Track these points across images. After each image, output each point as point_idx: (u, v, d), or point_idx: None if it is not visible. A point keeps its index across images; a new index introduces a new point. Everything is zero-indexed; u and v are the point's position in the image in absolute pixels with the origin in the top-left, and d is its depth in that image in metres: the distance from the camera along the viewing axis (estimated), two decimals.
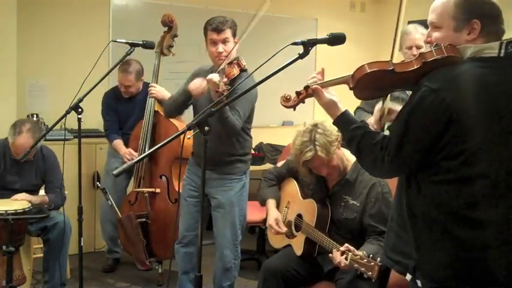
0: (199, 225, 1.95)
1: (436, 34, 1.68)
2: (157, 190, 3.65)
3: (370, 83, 1.73)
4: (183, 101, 3.02)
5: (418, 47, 3.26)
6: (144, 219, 3.64)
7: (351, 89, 1.78)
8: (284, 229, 2.88)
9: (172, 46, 3.82)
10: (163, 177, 3.67)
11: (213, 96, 2.72)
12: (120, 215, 3.64)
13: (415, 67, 1.64)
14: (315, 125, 2.61)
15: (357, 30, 5.27)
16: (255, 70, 2.04)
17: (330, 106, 1.84)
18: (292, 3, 5.59)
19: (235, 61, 2.87)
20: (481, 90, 1.58)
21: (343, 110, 1.83)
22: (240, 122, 2.85)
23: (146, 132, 3.69)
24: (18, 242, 3.04)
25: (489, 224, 1.59)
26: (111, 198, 3.66)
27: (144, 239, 3.61)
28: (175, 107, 3.08)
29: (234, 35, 2.93)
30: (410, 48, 3.32)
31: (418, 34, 3.16)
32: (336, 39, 1.82)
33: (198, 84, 2.87)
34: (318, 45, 1.82)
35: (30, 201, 3.21)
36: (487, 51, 1.61)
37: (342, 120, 1.82)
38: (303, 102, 1.99)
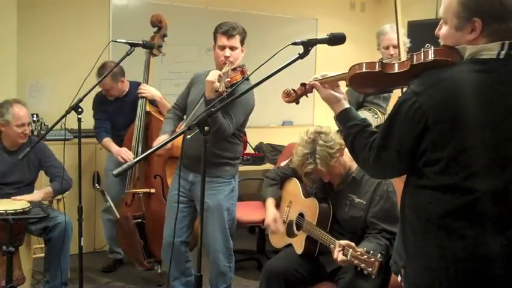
0: (200, 228, 1.93)
1: (442, 30, 1.62)
2: (153, 190, 3.64)
3: (364, 82, 1.74)
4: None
5: (395, 47, 3.28)
6: (140, 220, 3.63)
7: (347, 85, 1.81)
8: (281, 229, 2.88)
9: (162, 46, 3.78)
10: (158, 177, 3.66)
11: (207, 91, 2.74)
12: (118, 216, 3.64)
13: (403, 69, 1.61)
14: (318, 133, 2.59)
15: (357, 30, 5.26)
16: (255, 70, 2.04)
17: (331, 102, 1.86)
18: (292, 3, 5.59)
19: (240, 68, 2.88)
20: (465, 95, 1.49)
21: (345, 106, 1.83)
22: (231, 129, 2.85)
23: (139, 133, 3.66)
24: (18, 242, 3.05)
25: (463, 236, 1.51)
26: (109, 199, 3.65)
27: (141, 240, 3.61)
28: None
29: (242, 43, 2.95)
30: (387, 48, 3.34)
31: (395, 34, 3.18)
32: (336, 39, 1.81)
33: (160, 142, 2.87)
34: (318, 45, 1.81)
35: (32, 201, 3.20)
36: (484, 53, 1.52)
37: (342, 117, 1.82)
38: (306, 96, 2.01)
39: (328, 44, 1.82)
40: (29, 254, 3.53)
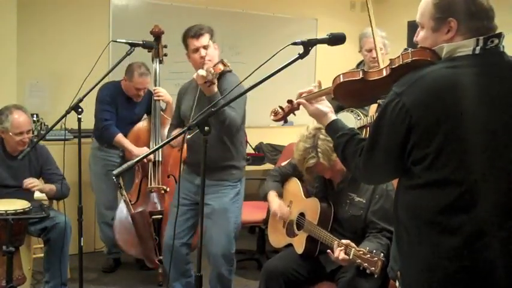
0: (200, 227, 1.93)
1: (420, 34, 1.66)
2: (168, 189, 3.72)
3: (349, 92, 1.77)
4: None
5: None
6: (161, 216, 3.68)
7: (333, 99, 1.84)
8: (288, 214, 2.90)
9: (166, 55, 3.97)
10: (171, 177, 3.73)
11: (205, 91, 2.76)
12: (133, 211, 3.65)
13: (384, 75, 1.65)
14: (318, 129, 2.61)
15: (357, 30, 5.25)
16: (255, 70, 2.03)
17: (318, 116, 1.91)
18: (292, 3, 5.59)
19: (220, 61, 2.88)
20: (445, 90, 1.52)
21: (332, 119, 1.87)
22: (240, 118, 2.85)
23: (156, 134, 3.74)
24: (18, 242, 3.04)
25: (458, 232, 1.51)
26: (125, 194, 3.70)
27: (157, 237, 3.64)
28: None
29: (212, 39, 2.96)
30: (370, 50, 3.34)
31: (377, 37, 3.18)
32: (336, 39, 1.82)
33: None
34: (318, 45, 1.82)
35: (40, 189, 3.27)
36: (460, 50, 1.56)
37: (330, 129, 1.87)
38: (294, 114, 2.04)
39: (328, 44, 1.83)
40: (29, 254, 3.53)
